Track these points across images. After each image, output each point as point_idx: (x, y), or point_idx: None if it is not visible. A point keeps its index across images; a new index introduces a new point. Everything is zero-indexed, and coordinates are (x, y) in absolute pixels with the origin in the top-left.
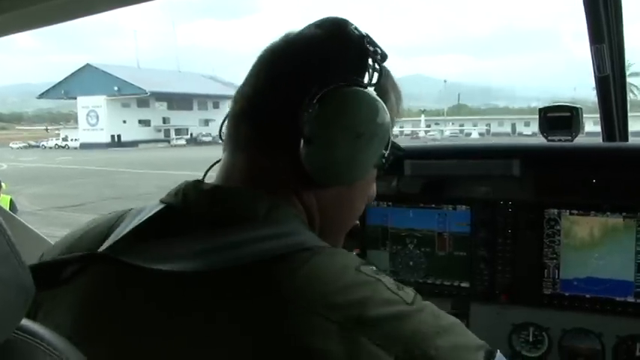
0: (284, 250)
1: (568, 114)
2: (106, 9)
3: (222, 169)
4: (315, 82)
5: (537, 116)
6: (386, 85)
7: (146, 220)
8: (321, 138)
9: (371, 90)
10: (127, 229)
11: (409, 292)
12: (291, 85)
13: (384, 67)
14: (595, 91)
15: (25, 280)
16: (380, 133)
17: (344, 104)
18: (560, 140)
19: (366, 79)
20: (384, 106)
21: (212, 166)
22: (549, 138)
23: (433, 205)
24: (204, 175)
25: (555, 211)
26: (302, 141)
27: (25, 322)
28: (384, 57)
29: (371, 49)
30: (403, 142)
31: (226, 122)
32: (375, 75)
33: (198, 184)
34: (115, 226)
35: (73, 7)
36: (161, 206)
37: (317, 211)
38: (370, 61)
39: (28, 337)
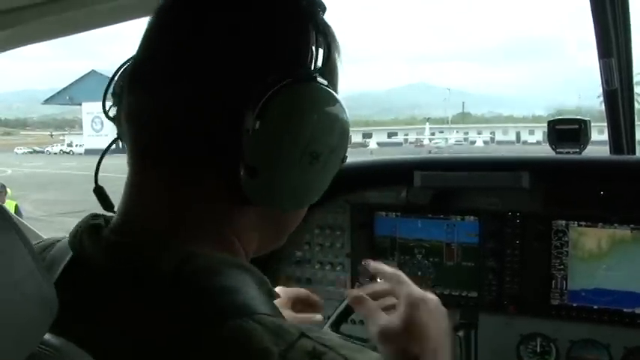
0: (192, 322)
1: (576, 126)
2: (116, 22)
3: (128, 195)
4: (248, 74)
5: (541, 124)
6: (334, 56)
7: (60, 274)
8: (269, 167)
9: (323, 83)
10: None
11: None
12: (214, 79)
13: (331, 31)
14: (600, 100)
15: (49, 295)
16: (342, 142)
17: (296, 117)
18: (568, 152)
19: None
20: (342, 104)
21: (98, 167)
22: (558, 150)
23: (442, 216)
24: (96, 176)
25: (563, 222)
26: (242, 168)
27: (48, 336)
28: (323, 11)
29: (310, 8)
30: (408, 151)
31: (121, 122)
32: (318, 50)
33: (93, 230)
34: None
35: (84, 20)
36: (69, 255)
37: (255, 228)
38: (311, 28)
39: (52, 351)
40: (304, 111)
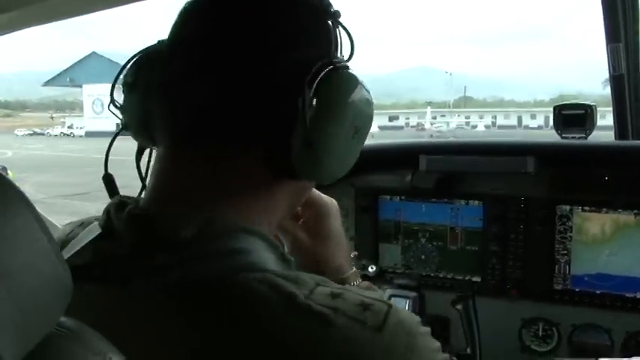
0: (222, 272)
1: (582, 112)
2: (118, 4)
3: (157, 176)
4: (295, 59)
5: (543, 109)
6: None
7: (83, 247)
8: (324, 141)
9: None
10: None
11: (379, 310)
12: (265, 65)
13: (348, 30)
14: (602, 85)
15: (65, 276)
16: (371, 119)
17: (345, 96)
18: (574, 137)
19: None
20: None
21: (108, 155)
22: (563, 135)
23: (446, 200)
24: (106, 164)
25: (567, 207)
26: (297, 144)
27: (63, 318)
28: (340, 14)
29: (332, 9)
30: (409, 134)
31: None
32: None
33: (120, 206)
34: (65, 243)
35: (87, 2)
36: (97, 232)
37: (284, 200)
38: (331, 24)
39: (66, 332)
40: (350, 91)
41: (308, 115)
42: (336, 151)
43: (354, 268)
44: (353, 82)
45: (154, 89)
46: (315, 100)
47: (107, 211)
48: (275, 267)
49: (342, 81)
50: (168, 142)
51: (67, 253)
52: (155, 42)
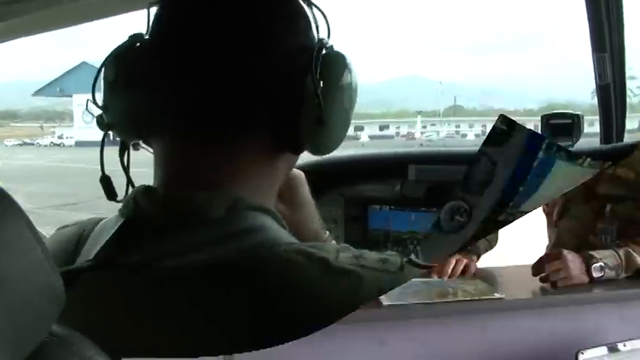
0: (250, 249)
1: (569, 121)
2: (112, 14)
3: (171, 163)
4: (283, 44)
5: (532, 118)
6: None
7: (110, 238)
8: (334, 117)
9: None
10: (98, 246)
11: (396, 261)
12: (265, 51)
13: (322, 10)
14: (591, 95)
15: (57, 287)
16: (357, 93)
17: (343, 74)
18: None
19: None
20: None
21: (102, 156)
22: None
23: (435, 209)
24: (101, 165)
25: None
26: (307, 120)
27: (55, 326)
28: None
29: None
30: (399, 144)
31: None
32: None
33: (148, 190)
34: (82, 239)
35: (83, 11)
36: (120, 222)
37: (283, 174)
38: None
39: (55, 339)
40: (346, 69)
41: (320, 94)
42: (342, 125)
43: (328, 233)
44: (346, 60)
45: (139, 85)
46: (321, 81)
47: (132, 198)
48: (292, 239)
49: (339, 60)
50: (169, 135)
51: (91, 247)
52: (127, 38)
